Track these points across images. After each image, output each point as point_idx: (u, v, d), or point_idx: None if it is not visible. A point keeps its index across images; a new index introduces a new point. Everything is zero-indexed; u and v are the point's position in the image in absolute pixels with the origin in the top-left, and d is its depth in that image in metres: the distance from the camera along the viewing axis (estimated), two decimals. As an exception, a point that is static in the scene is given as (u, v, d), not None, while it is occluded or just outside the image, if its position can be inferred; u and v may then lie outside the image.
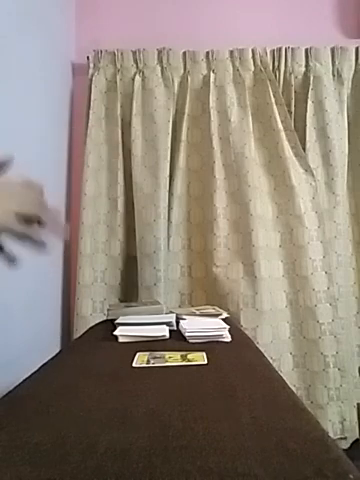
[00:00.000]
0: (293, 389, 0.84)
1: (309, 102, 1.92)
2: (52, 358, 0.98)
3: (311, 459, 0.46)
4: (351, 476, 0.42)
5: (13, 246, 0.53)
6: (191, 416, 0.59)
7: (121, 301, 1.84)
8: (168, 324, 1.24)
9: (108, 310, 1.50)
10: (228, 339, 1.11)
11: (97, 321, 1.55)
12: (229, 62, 1.96)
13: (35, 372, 0.85)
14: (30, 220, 0.52)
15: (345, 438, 1.72)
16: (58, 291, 1.81)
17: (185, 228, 1.92)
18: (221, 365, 0.87)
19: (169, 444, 0.50)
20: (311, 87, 1.93)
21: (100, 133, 1.93)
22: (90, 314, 1.78)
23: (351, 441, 1.73)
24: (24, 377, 0.80)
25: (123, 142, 1.92)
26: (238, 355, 0.98)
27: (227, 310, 1.61)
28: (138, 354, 0.95)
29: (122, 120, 1.93)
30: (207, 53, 1.97)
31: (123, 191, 1.91)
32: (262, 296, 1.76)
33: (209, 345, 1.04)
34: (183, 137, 1.92)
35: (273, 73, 1.95)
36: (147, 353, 0.95)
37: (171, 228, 1.88)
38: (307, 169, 1.89)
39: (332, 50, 1.97)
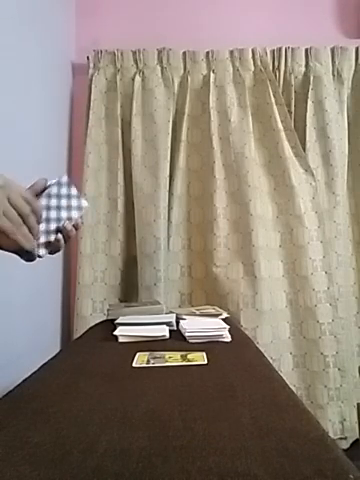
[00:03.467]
0: (293, 389, 0.84)
1: (309, 102, 1.92)
2: (52, 358, 0.98)
3: (311, 459, 0.45)
4: (351, 476, 0.42)
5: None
6: (191, 416, 0.59)
7: (121, 301, 1.84)
8: (168, 324, 1.24)
9: (108, 310, 1.50)
10: (228, 339, 1.11)
11: (97, 321, 1.55)
12: (229, 62, 1.96)
13: (35, 372, 0.85)
14: None
15: (345, 438, 1.72)
16: (58, 291, 1.81)
17: (185, 228, 1.92)
18: (221, 365, 0.87)
19: (169, 444, 0.50)
20: (311, 87, 1.93)
21: (100, 133, 1.93)
22: (90, 314, 1.78)
23: (351, 441, 1.73)
24: (24, 377, 0.80)
25: (123, 142, 1.93)
26: (238, 355, 0.98)
27: (227, 310, 1.61)
28: (138, 354, 0.95)
29: (122, 120, 1.93)
30: (207, 53, 1.97)
31: (123, 191, 1.91)
32: (262, 296, 1.76)
33: (209, 345, 1.04)
34: (183, 137, 1.93)
35: (273, 73, 1.95)
36: (147, 353, 0.95)
37: (171, 228, 1.88)
38: (307, 169, 1.89)
39: (332, 50, 1.97)
